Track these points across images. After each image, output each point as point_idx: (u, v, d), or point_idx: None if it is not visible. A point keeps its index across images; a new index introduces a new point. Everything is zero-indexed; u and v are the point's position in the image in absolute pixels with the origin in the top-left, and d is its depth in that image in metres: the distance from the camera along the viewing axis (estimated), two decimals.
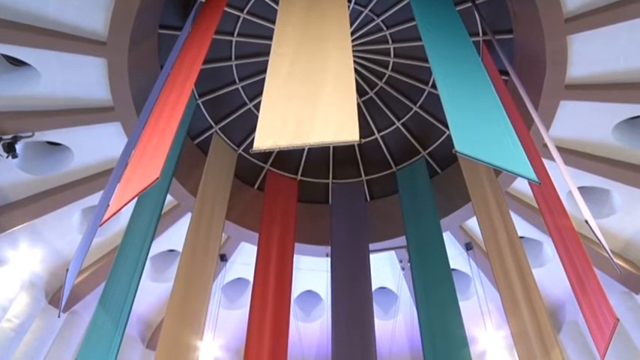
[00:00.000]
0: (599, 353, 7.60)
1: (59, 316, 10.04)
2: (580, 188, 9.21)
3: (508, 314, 10.07)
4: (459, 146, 5.75)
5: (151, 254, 10.72)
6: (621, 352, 11.85)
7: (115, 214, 6.25)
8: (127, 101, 10.42)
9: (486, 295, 12.88)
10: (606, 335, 7.33)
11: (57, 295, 12.02)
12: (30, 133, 10.34)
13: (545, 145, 9.66)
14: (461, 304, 11.09)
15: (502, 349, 14.00)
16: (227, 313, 14.43)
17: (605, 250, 6.71)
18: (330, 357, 10.92)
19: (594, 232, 6.61)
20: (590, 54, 9.76)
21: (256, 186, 14.27)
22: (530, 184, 9.67)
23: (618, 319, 7.03)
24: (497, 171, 11.35)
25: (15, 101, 10.13)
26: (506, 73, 11.45)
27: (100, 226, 6.74)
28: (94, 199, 11.04)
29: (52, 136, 10.81)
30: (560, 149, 9.68)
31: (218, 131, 13.39)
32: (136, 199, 8.84)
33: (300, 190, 14.12)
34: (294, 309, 13.17)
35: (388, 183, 14.28)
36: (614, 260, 6.92)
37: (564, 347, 13.16)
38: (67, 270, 7.43)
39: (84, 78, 10.09)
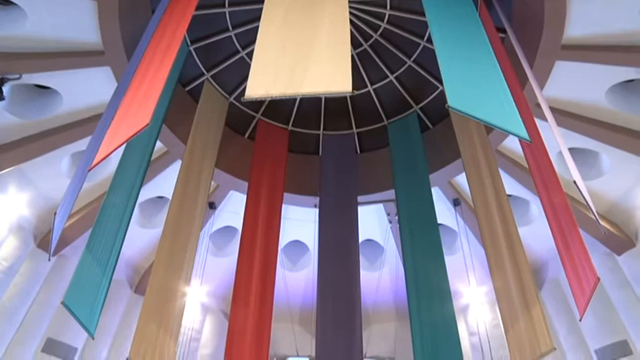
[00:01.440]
0: (578, 311, 7.77)
1: (49, 260, 10.08)
2: (570, 149, 9.26)
3: (492, 270, 10.24)
4: (452, 101, 5.74)
5: (139, 200, 10.73)
6: (600, 310, 12.16)
7: (104, 159, 6.22)
8: (117, 45, 10.22)
9: (471, 251, 13.05)
10: (586, 293, 7.47)
11: (46, 239, 12.07)
12: (17, 75, 10.15)
13: (538, 105, 9.64)
14: (446, 258, 11.26)
15: (484, 304, 14.30)
16: (215, 260, 14.56)
17: (592, 211, 6.79)
18: (315, 306, 11.11)
19: (582, 193, 6.67)
20: (589, 14, 9.64)
21: (247, 135, 14.20)
22: (520, 142, 9.68)
23: (599, 279, 7.15)
24: (489, 128, 11.35)
25: (1, 42, 9.91)
26: (503, 31, 11.31)
27: (89, 170, 6.71)
28: (83, 144, 10.94)
29: (41, 79, 10.63)
30: (552, 109, 9.66)
31: (210, 79, 13.22)
32: (125, 144, 8.78)
33: (290, 141, 14.07)
34: (281, 258, 13.28)
35: (379, 136, 14.25)
36: (600, 221, 7.01)
37: (545, 304, 13.45)
38: (55, 214, 7.43)
39: (73, 20, 9.86)
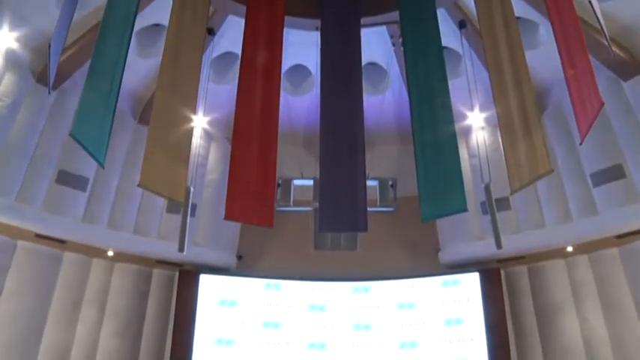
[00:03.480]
0: (579, 135, 7.87)
1: (49, 93, 10.02)
2: None
3: (495, 93, 10.16)
4: None
5: (135, 29, 10.39)
6: (599, 136, 12.29)
7: None
8: None
9: (475, 75, 12.90)
10: (589, 118, 7.52)
11: (44, 74, 11.90)
12: None
13: None
14: (450, 82, 11.13)
15: (486, 127, 14.44)
16: (217, 88, 14.47)
17: (604, 33, 6.59)
18: (319, 129, 11.23)
19: (596, 13, 6.43)
20: None
21: None
22: None
23: (603, 103, 7.14)
24: None
25: None
26: None
27: None
28: None
29: None
30: None
31: None
32: None
33: None
34: (283, 83, 13.17)
35: None
36: (611, 45, 6.82)
37: (546, 129, 13.60)
38: (49, 45, 7.25)
39: None
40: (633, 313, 13.46)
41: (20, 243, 13.45)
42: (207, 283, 15.81)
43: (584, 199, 13.51)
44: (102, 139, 8.26)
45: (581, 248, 14.63)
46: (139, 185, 9.03)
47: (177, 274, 15.94)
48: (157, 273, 16.07)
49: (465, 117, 14.34)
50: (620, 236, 13.62)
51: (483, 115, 13.95)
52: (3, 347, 12.78)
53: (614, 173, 12.79)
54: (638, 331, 13.36)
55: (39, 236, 13.63)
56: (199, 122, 14.11)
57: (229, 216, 10.32)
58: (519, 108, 9.58)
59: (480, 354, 14.73)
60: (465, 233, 15.70)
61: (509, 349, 14.74)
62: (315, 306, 16.09)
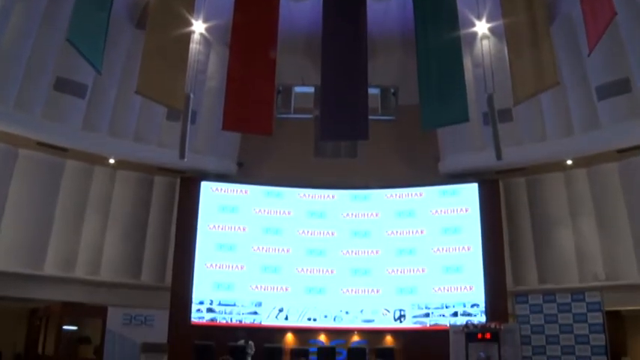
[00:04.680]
0: (588, 46, 7.68)
1: None
2: None
3: (503, 1, 9.86)
4: None
5: None
6: (608, 48, 11.92)
7: None
8: None
9: None
10: (600, 28, 7.33)
11: None
12: None
13: None
14: None
15: (492, 37, 14.04)
16: None
17: None
18: (321, 35, 10.96)
19: None
20: None
21: None
22: None
23: (616, 13, 6.93)
24: None
25: None
26: None
27: None
28: None
29: None
30: None
31: None
32: None
33: None
34: None
35: None
36: None
37: (554, 39, 13.22)
38: None
39: None
40: (626, 227, 13.73)
41: (22, 151, 13.50)
42: (208, 189, 15.99)
43: (587, 113, 13.42)
44: (98, 44, 8.10)
45: (581, 162, 14.69)
46: (136, 92, 8.92)
47: (178, 180, 16.07)
48: (159, 180, 16.22)
49: (470, 25, 13.91)
50: (620, 151, 13.63)
51: (490, 24, 13.53)
52: (12, 253, 13.13)
53: (620, 87, 12.62)
54: (629, 245, 13.67)
55: (40, 144, 13.64)
56: (198, 27, 13.73)
57: (227, 126, 10.26)
58: (528, 17, 9.31)
59: (475, 262, 15.10)
60: (466, 143, 15.65)
61: (504, 259, 15.10)
62: (315, 213, 16.33)
